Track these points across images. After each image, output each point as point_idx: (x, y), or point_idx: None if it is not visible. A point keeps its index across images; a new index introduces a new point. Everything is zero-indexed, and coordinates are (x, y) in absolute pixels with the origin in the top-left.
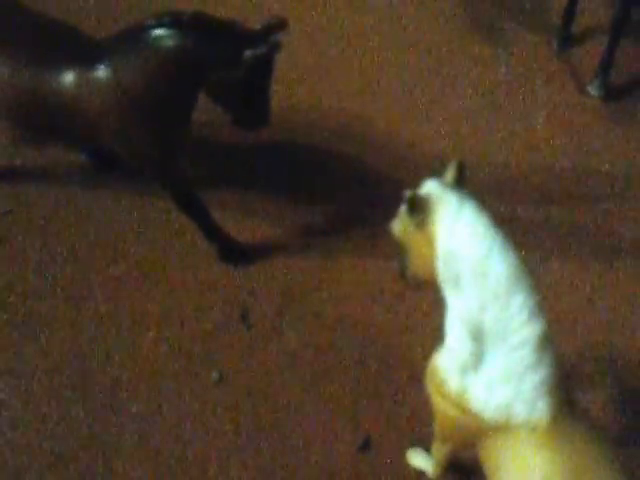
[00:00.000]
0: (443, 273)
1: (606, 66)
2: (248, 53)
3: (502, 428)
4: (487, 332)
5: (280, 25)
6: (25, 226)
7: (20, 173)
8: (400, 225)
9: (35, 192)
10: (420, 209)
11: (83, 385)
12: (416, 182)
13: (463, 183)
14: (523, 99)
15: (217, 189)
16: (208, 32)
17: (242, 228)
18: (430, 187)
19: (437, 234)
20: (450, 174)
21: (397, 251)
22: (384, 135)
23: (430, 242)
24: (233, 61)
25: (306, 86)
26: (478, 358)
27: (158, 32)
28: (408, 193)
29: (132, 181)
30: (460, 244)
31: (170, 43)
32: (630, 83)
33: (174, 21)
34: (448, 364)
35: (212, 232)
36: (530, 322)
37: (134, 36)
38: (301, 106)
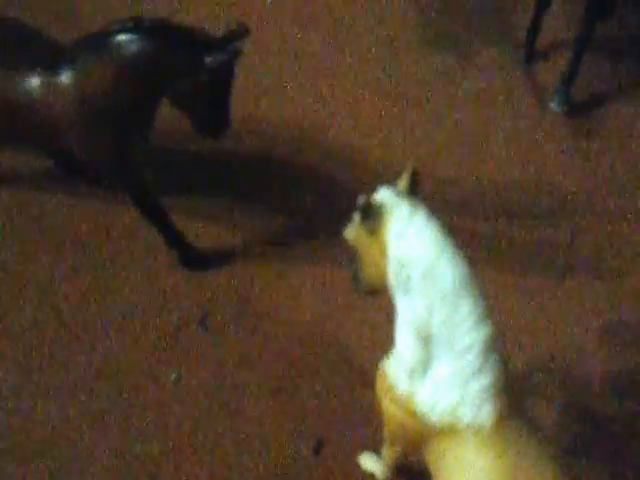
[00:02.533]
0: (393, 278)
1: (568, 82)
2: (209, 59)
3: (448, 431)
4: (435, 337)
5: (242, 33)
6: None
7: None
8: (353, 232)
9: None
10: (372, 215)
11: (46, 382)
12: (372, 191)
13: (416, 191)
14: (485, 113)
15: (178, 196)
16: (169, 38)
17: (202, 234)
18: (383, 194)
19: (388, 240)
20: (403, 182)
21: (351, 258)
22: (343, 146)
23: (382, 248)
24: (194, 67)
25: (269, 99)
26: (426, 363)
27: (120, 37)
28: (361, 200)
29: (98, 186)
30: (410, 249)
31: (131, 48)
32: (591, 99)
33: (136, 27)
34: (397, 368)
35: (172, 237)
36: (476, 327)
37: (97, 41)
38: (264, 118)
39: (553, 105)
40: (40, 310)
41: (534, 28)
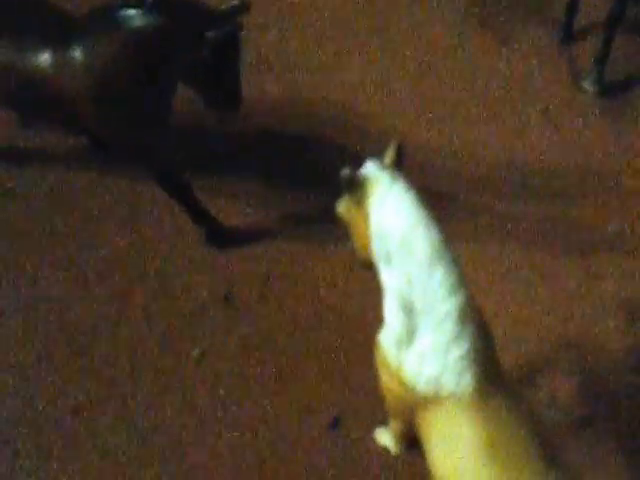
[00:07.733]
0: (376, 250)
1: (601, 62)
2: (210, 33)
3: (433, 400)
4: (416, 306)
5: (243, 8)
6: (23, 205)
7: (21, 154)
8: (343, 205)
9: (34, 172)
10: (356, 187)
11: (74, 360)
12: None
13: (400, 164)
14: (519, 93)
15: (206, 174)
16: (171, 13)
17: (229, 212)
18: (367, 167)
19: (370, 210)
20: (389, 155)
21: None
22: (374, 125)
23: (366, 219)
24: (197, 41)
25: (293, 77)
26: (411, 333)
27: (124, 13)
28: (345, 172)
29: (127, 164)
30: (388, 220)
31: (135, 23)
32: (625, 79)
33: (139, 2)
34: (387, 339)
35: (198, 215)
36: (451, 295)
37: (103, 16)
38: (289, 96)
39: (585, 84)
40: (67, 286)
41: (572, 7)
